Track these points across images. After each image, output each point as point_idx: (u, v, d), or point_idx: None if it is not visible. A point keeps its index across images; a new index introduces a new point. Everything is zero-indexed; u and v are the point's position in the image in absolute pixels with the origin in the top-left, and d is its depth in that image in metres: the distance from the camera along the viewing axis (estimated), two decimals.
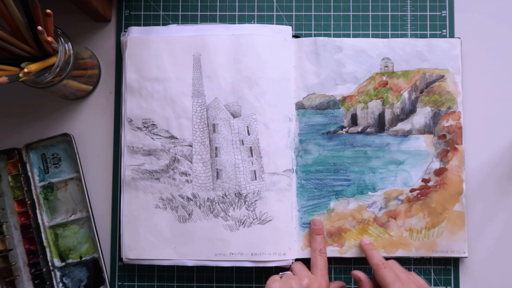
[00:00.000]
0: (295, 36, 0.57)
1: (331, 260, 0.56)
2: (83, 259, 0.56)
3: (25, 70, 0.45)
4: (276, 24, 0.58)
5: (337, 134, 0.56)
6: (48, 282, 0.55)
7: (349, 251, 0.55)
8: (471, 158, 0.57)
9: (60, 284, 0.56)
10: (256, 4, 0.59)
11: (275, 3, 0.59)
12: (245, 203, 0.55)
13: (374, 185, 0.56)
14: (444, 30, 0.58)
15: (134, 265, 0.57)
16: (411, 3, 0.58)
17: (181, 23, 0.59)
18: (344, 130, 0.56)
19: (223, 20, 0.59)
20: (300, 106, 0.56)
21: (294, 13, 0.59)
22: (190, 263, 0.55)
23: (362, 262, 0.56)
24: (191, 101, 0.56)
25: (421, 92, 0.56)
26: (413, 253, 0.55)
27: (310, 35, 0.58)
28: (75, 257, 0.57)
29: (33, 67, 0.46)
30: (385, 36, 0.58)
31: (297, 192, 0.56)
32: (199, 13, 0.59)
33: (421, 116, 0.56)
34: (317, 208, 0.56)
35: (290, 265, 0.54)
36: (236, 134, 0.56)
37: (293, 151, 0.56)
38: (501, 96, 0.58)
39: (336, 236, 0.55)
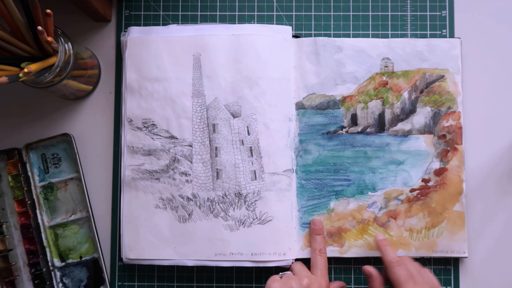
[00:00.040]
0: (295, 36, 0.57)
1: (331, 260, 0.56)
2: (83, 259, 0.56)
3: (25, 70, 0.45)
4: (276, 24, 0.58)
5: (337, 134, 0.56)
6: (48, 282, 0.55)
7: (349, 251, 0.55)
8: (471, 158, 0.57)
9: (60, 284, 0.56)
10: (256, 4, 0.59)
11: (275, 3, 0.59)
12: (245, 203, 0.55)
13: (374, 185, 0.56)
14: (444, 30, 0.58)
15: (134, 265, 0.57)
16: (411, 3, 0.58)
17: (181, 23, 0.59)
18: (344, 130, 0.56)
19: (223, 20, 0.59)
20: (300, 106, 0.56)
21: (294, 13, 0.59)
22: (190, 263, 0.55)
23: (362, 262, 0.56)
24: (191, 101, 0.56)
25: (421, 92, 0.56)
26: (413, 253, 0.55)
27: (310, 35, 0.58)
28: (75, 257, 0.57)
29: (33, 67, 0.46)
30: (385, 36, 0.58)
31: (297, 192, 0.56)
32: (199, 13, 0.59)
33: (421, 116, 0.56)
34: (317, 208, 0.56)
35: (290, 265, 0.54)
36: (236, 134, 0.56)
37: (293, 151, 0.56)
38: (501, 96, 0.58)
39: (336, 236, 0.55)
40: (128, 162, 0.56)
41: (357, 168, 0.56)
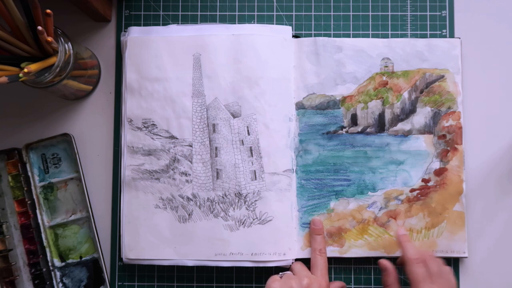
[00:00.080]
0: (295, 36, 0.57)
1: (331, 260, 0.56)
2: (83, 259, 0.56)
3: (25, 70, 0.45)
4: (276, 24, 0.58)
5: (337, 134, 0.56)
6: (48, 282, 0.55)
7: (349, 251, 0.55)
8: (471, 158, 0.57)
9: (60, 284, 0.56)
10: (256, 4, 0.59)
11: (275, 3, 0.59)
12: (245, 203, 0.55)
13: (374, 185, 0.56)
14: (444, 30, 0.58)
15: (134, 265, 0.57)
16: (411, 3, 0.58)
17: (181, 23, 0.59)
18: (344, 130, 0.56)
19: (223, 20, 0.59)
20: (300, 106, 0.56)
21: (294, 13, 0.59)
22: (190, 263, 0.55)
23: (362, 262, 0.56)
24: (191, 101, 0.56)
25: (421, 92, 0.56)
26: None
27: (310, 35, 0.58)
28: (75, 257, 0.57)
29: (33, 67, 0.46)
30: (385, 36, 0.58)
31: (297, 192, 0.56)
32: (199, 13, 0.59)
33: (421, 116, 0.56)
34: (317, 208, 0.56)
35: (290, 265, 0.54)
36: (236, 134, 0.56)
37: (293, 151, 0.56)
38: (501, 96, 0.58)
39: (336, 236, 0.55)
40: (128, 162, 0.56)
41: (357, 168, 0.56)
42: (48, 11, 0.45)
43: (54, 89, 0.52)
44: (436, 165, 0.56)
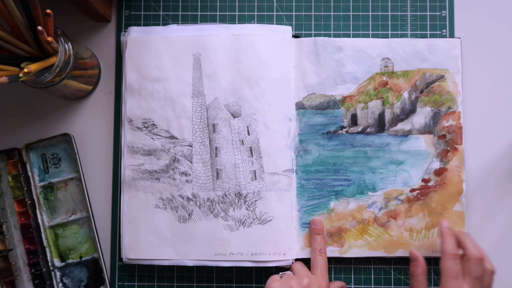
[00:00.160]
0: (295, 36, 0.57)
1: (331, 260, 0.56)
2: (83, 259, 0.56)
3: (25, 70, 0.45)
4: (276, 24, 0.58)
5: (337, 134, 0.56)
6: (48, 282, 0.55)
7: (349, 251, 0.55)
8: (471, 158, 0.57)
9: (60, 284, 0.56)
10: (256, 4, 0.59)
11: (275, 3, 0.59)
12: (245, 203, 0.55)
13: (374, 185, 0.56)
14: (444, 30, 0.58)
15: (134, 265, 0.57)
16: (411, 3, 0.58)
17: (181, 23, 0.59)
18: (344, 130, 0.56)
19: (223, 20, 0.59)
20: (300, 106, 0.56)
21: (294, 13, 0.59)
22: (190, 263, 0.55)
23: (362, 262, 0.56)
24: (191, 101, 0.56)
25: (421, 92, 0.56)
26: None
27: (310, 35, 0.58)
28: (75, 257, 0.57)
29: (33, 67, 0.46)
30: (385, 36, 0.58)
31: (297, 192, 0.56)
32: (199, 13, 0.59)
33: (421, 116, 0.56)
34: (317, 208, 0.56)
35: (290, 265, 0.54)
36: (236, 134, 0.56)
37: (293, 151, 0.56)
38: (501, 96, 0.58)
39: (336, 236, 0.55)
40: (128, 162, 0.56)
41: (357, 168, 0.56)
42: (48, 11, 0.45)
43: (54, 89, 0.52)
44: (436, 165, 0.56)
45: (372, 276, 0.56)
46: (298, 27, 0.59)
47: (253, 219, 0.55)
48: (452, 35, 0.58)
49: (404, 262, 0.56)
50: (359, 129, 0.56)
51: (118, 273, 0.57)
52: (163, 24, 0.59)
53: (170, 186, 0.55)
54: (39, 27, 0.44)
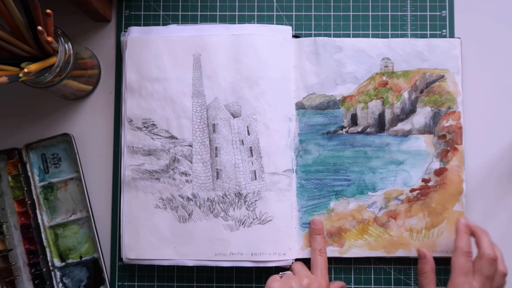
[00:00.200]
0: (295, 36, 0.57)
1: (331, 260, 0.56)
2: (83, 259, 0.56)
3: (25, 70, 0.45)
4: (276, 24, 0.58)
5: (337, 134, 0.56)
6: (48, 282, 0.55)
7: (349, 251, 0.55)
8: (471, 158, 0.57)
9: (60, 284, 0.56)
10: (256, 4, 0.59)
11: (275, 3, 0.59)
12: (245, 203, 0.55)
13: (374, 185, 0.56)
14: (444, 30, 0.58)
15: (134, 265, 0.57)
16: (411, 3, 0.58)
17: (181, 23, 0.59)
18: (344, 130, 0.56)
19: (223, 20, 0.59)
20: (300, 106, 0.56)
21: (294, 13, 0.59)
22: (190, 263, 0.55)
23: (362, 262, 0.56)
24: (191, 101, 0.56)
25: (421, 92, 0.56)
26: (413, 253, 0.55)
27: (310, 35, 0.58)
28: (75, 257, 0.57)
29: (33, 67, 0.46)
30: (385, 36, 0.58)
31: (297, 192, 0.56)
32: (199, 13, 0.59)
33: (421, 116, 0.56)
34: (317, 208, 0.56)
35: (290, 265, 0.54)
36: (236, 134, 0.56)
37: (293, 151, 0.56)
38: (501, 96, 0.58)
39: (336, 236, 0.55)
40: (128, 162, 0.56)
41: (357, 168, 0.56)
42: (48, 11, 0.45)
43: (54, 89, 0.52)
44: (436, 165, 0.56)
45: (372, 276, 0.56)
46: (298, 27, 0.59)
47: (253, 219, 0.55)
48: (452, 35, 0.58)
49: (404, 262, 0.56)
50: (359, 129, 0.56)
51: (118, 273, 0.57)
52: (163, 24, 0.59)
53: (170, 186, 0.55)
54: (39, 27, 0.44)
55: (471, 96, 0.57)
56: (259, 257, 0.54)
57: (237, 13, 0.59)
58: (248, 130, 0.55)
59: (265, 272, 0.56)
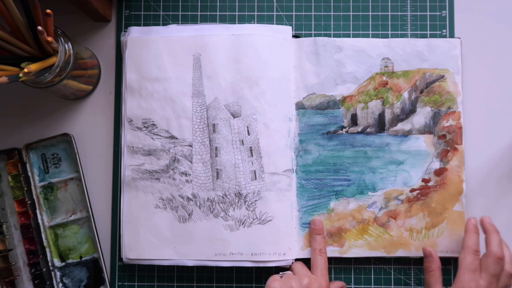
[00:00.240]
0: (295, 36, 0.57)
1: (331, 260, 0.56)
2: (83, 259, 0.56)
3: (25, 70, 0.45)
4: (276, 24, 0.58)
5: (337, 134, 0.56)
6: (48, 282, 0.55)
7: (349, 251, 0.55)
8: (471, 158, 0.57)
9: (60, 284, 0.56)
10: (256, 4, 0.59)
11: (275, 3, 0.59)
12: (245, 203, 0.55)
13: (374, 185, 0.56)
14: (444, 30, 0.58)
15: (134, 265, 0.57)
16: (411, 3, 0.58)
17: (181, 23, 0.59)
18: (344, 130, 0.56)
19: (223, 20, 0.59)
20: (300, 106, 0.56)
21: (294, 13, 0.59)
22: (190, 263, 0.55)
23: (362, 262, 0.56)
24: (191, 101, 0.56)
25: (421, 92, 0.56)
26: (413, 253, 0.55)
27: (310, 35, 0.58)
28: (75, 257, 0.57)
29: (33, 67, 0.46)
30: (385, 36, 0.58)
31: (297, 192, 0.56)
32: (199, 13, 0.59)
33: (421, 116, 0.56)
34: (317, 208, 0.56)
35: (290, 265, 0.54)
36: (236, 134, 0.56)
37: (293, 151, 0.56)
38: (501, 96, 0.58)
39: (336, 236, 0.55)
40: (128, 162, 0.56)
41: (357, 168, 0.56)
42: (48, 11, 0.45)
43: (54, 89, 0.52)
44: (436, 165, 0.56)
45: (372, 276, 0.56)
46: (298, 27, 0.59)
47: (253, 219, 0.55)
48: (452, 35, 0.58)
49: (404, 262, 0.56)
50: (359, 129, 0.56)
51: (118, 273, 0.57)
52: (163, 24, 0.59)
53: (170, 186, 0.55)
54: (39, 27, 0.44)
55: (471, 96, 0.57)
56: (259, 257, 0.54)
57: (237, 13, 0.59)
58: (248, 130, 0.55)
59: (265, 272, 0.56)
